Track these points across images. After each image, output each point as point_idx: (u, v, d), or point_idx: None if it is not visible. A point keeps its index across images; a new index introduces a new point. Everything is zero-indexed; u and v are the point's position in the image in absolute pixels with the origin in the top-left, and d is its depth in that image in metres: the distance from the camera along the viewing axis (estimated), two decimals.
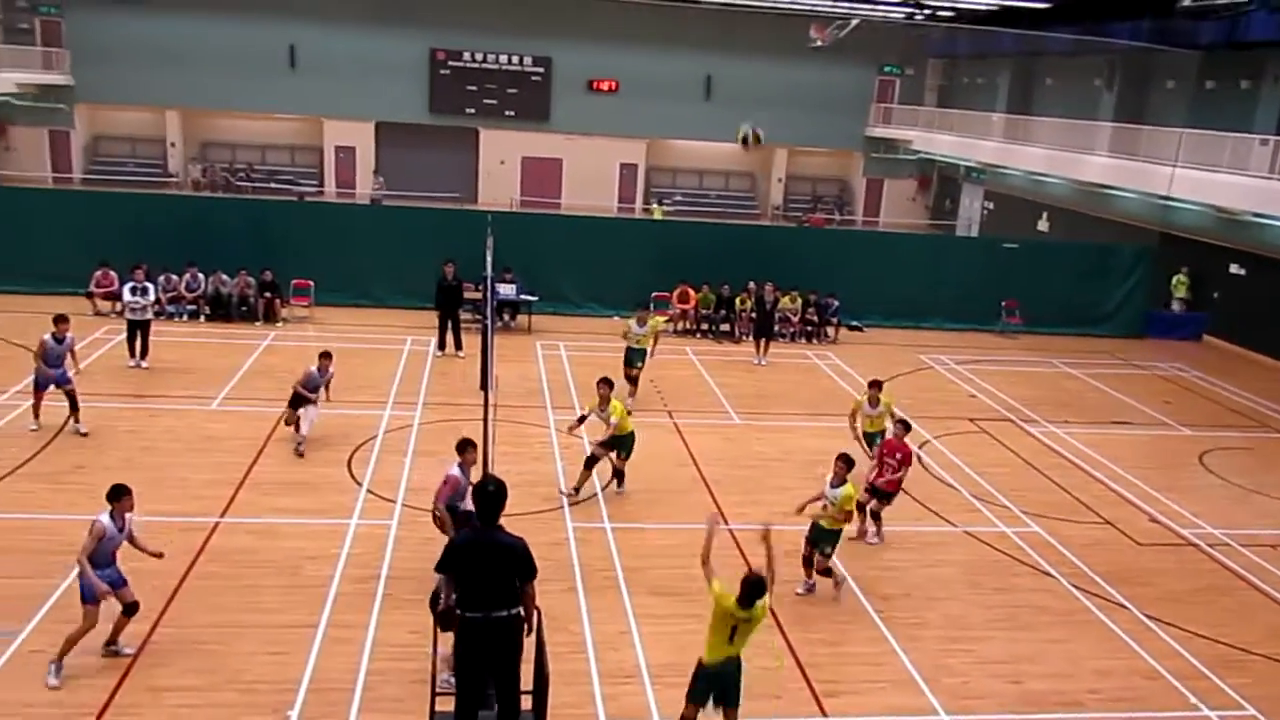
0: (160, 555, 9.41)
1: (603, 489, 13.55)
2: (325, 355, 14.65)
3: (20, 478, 12.73)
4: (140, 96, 40.19)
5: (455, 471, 10.31)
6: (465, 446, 10.43)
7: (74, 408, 14.25)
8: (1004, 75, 39.22)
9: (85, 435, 14.15)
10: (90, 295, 20.55)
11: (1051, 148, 31.85)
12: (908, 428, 12.85)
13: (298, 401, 14.29)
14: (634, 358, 17.20)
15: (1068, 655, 10.41)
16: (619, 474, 13.50)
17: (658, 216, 37.79)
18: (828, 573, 11.24)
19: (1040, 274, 24.96)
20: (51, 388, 14.25)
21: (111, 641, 9.16)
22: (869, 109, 44.18)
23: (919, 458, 15.70)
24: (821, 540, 11.11)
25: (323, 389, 14.60)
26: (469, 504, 9.03)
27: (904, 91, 44.36)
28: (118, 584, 8.99)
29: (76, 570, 8.84)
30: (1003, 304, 24.95)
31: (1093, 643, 10.71)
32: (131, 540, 9.15)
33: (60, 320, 14.43)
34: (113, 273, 20.19)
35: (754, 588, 7.83)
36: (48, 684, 8.64)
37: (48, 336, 14.23)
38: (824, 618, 10.82)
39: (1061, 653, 10.46)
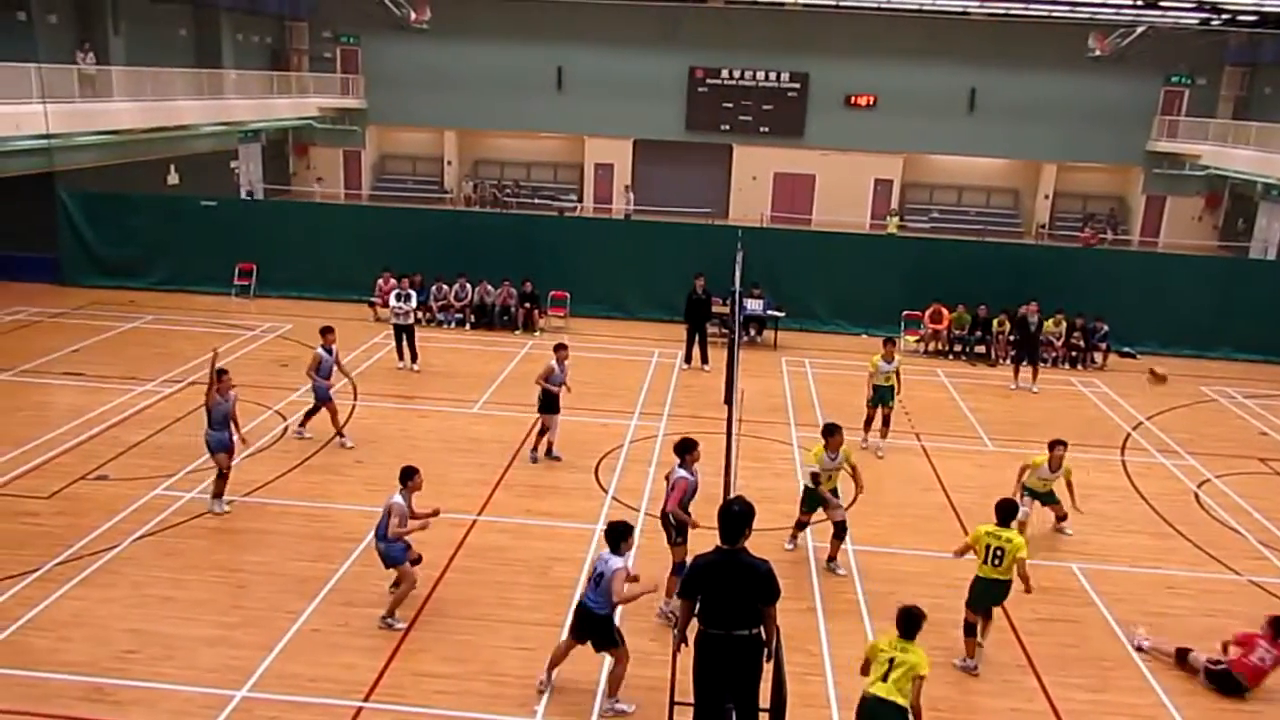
0: (436, 513, 10.47)
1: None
2: (561, 347, 14.78)
3: (307, 469, 13.98)
4: (423, 118, 43.49)
5: (683, 473, 10.29)
6: (688, 447, 10.39)
7: (334, 417, 14.80)
8: None
9: (351, 449, 14.65)
10: (372, 304, 22.35)
11: None
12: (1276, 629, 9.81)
13: (548, 405, 14.53)
14: (885, 396, 15.51)
15: None
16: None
17: (892, 230, 36.69)
18: (969, 631, 9.89)
19: None
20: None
21: (389, 614, 10.11)
22: (1152, 121, 41.02)
23: (1196, 496, 14.45)
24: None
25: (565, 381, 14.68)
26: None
27: (1194, 102, 40.87)
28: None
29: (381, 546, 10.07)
30: None
31: None
32: (413, 515, 10.10)
33: (326, 332, 14.89)
34: (394, 281, 21.86)
35: (911, 619, 7.90)
36: (395, 626, 10.02)
37: (319, 349, 14.73)
38: (1084, 660, 10.10)
39: None
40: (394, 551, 10.05)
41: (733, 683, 7.14)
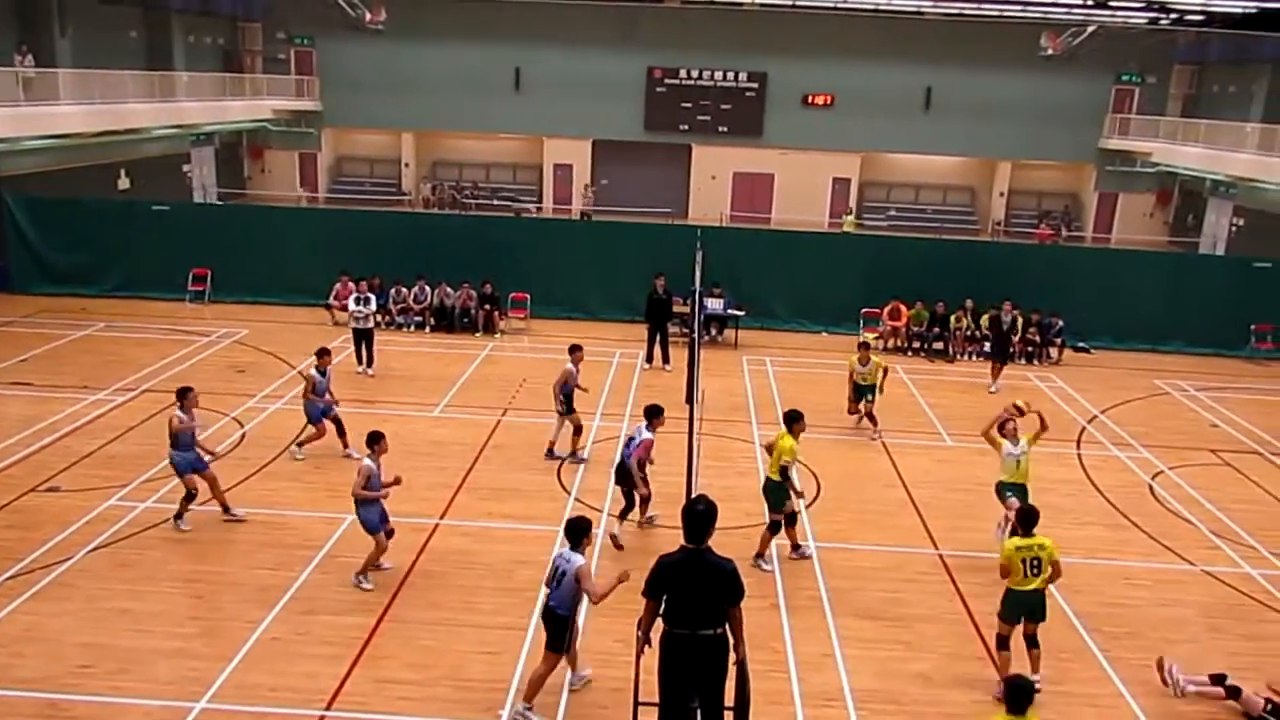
0: (398, 481, 11.06)
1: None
2: (576, 349, 14.94)
3: (265, 476, 13.81)
4: (379, 120, 43.09)
5: (649, 435, 12.01)
6: (657, 412, 12.21)
7: (341, 433, 14.53)
8: (1260, 82, 36.06)
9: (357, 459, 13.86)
10: (329, 306, 22.14)
11: None
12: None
13: (570, 406, 14.71)
14: (864, 393, 16.59)
15: None
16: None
17: (848, 229, 36.92)
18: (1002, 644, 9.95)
19: None
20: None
21: (361, 573, 10.82)
22: (1104, 119, 41.66)
23: (1151, 488, 14.70)
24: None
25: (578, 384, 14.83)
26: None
27: (1144, 101, 41.56)
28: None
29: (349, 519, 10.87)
30: (1252, 328, 22.90)
31: None
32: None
33: (323, 354, 14.73)
34: (352, 284, 21.66)
35: (1022, 693, 7.12)
36: (362, 587, 10.68)
37: (313, 371, 14.46)
38: (1044, 653, 10.18)
39: None
40: (370, 518, 10.62)
41: (697, 682, 7.14)
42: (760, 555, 11.80)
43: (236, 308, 23.16)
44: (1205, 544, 13.10)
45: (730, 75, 41.89)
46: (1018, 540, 9.37)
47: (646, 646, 7.51)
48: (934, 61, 40.79)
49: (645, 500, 12.30)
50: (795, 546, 12.00)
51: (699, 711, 7.24)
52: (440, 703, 8.97)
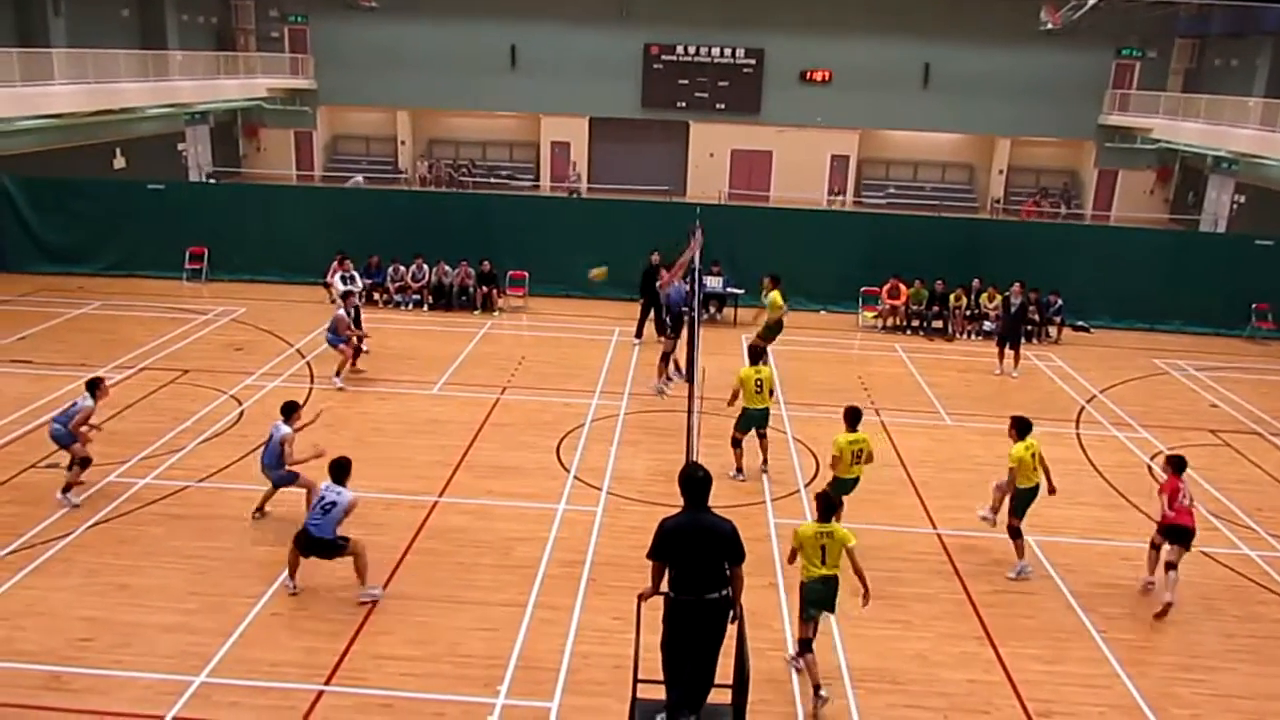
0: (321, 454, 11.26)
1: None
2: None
3: None
4: (375, 98, 42.91)
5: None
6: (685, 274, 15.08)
7: (356, 355, 17.09)
8: (1263, 56, 35.90)
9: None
10: (327, 285, 22.03)
11: None
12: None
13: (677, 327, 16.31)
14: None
15: None
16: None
17: (837, 205, 36.70)
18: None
19: None
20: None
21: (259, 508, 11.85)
22: (1104, 95, 41.50)
23: (1149, 468, 14.72)
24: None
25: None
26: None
27: (1145, 75, 41.39)
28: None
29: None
30: (1254, 307, 22.88)
31: None
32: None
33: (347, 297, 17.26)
34: (349, 263, 21.58)
35: (826, 501, 9.01)
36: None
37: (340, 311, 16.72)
38: (1039, 632, 10.27)
39: None
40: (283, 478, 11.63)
41: (696, 646, 7.23)
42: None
43: (234, 286, 23.10)
44: (1203, 524, 13.05)
45: (728, 52, 41.67)
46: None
47: (642, 602, 7.53)
48: (933, 36, 40.62)
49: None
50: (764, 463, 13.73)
51: (690, 673, 7.30)
52: (439, 679, 9.01)
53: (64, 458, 12.29)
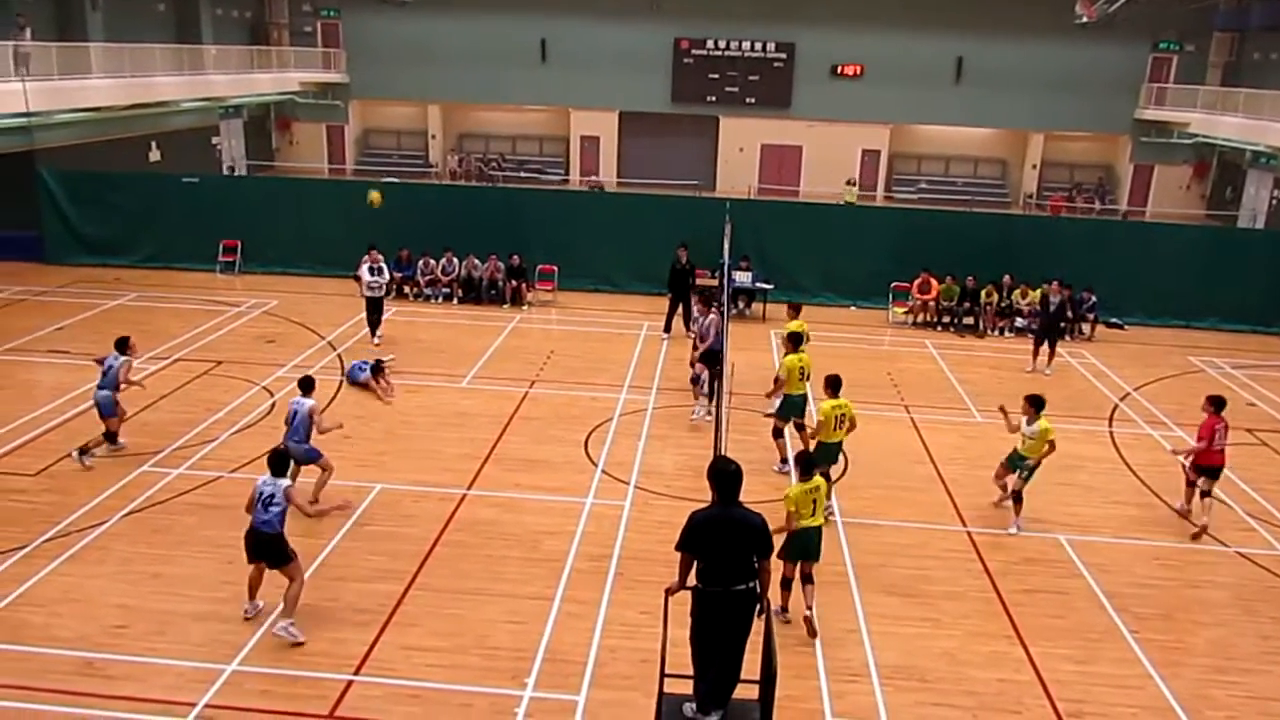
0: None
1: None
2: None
3: None
4: (406, 92, 43.07)
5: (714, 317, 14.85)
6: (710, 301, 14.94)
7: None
8: None
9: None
10: (358, 278, 22.13)
11: None
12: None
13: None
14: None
15: None
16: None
17: (849, 199, 36.41)
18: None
19: None
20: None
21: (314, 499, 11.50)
22: (1139, 89, 40.94)
23: (1183, 467, 14.51)
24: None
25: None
26: None
27: (1182, 69, 40.77)
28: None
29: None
30: None
31: None
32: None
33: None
34: (377, 254, 21.63)
35: (807, 460, 10.01)
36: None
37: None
38: (1071, 631, 10.17)
39: None
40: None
41: (724, 637, 7.25)
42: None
43: (266, 278, 23.31)
44: (1240, 525, 12.94)
45: (758, 46, 41.45)
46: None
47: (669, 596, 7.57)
48: (965, 30, 40.20)
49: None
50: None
51: (718, 664, 7.31)
52: (467, 670, 9.05)
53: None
